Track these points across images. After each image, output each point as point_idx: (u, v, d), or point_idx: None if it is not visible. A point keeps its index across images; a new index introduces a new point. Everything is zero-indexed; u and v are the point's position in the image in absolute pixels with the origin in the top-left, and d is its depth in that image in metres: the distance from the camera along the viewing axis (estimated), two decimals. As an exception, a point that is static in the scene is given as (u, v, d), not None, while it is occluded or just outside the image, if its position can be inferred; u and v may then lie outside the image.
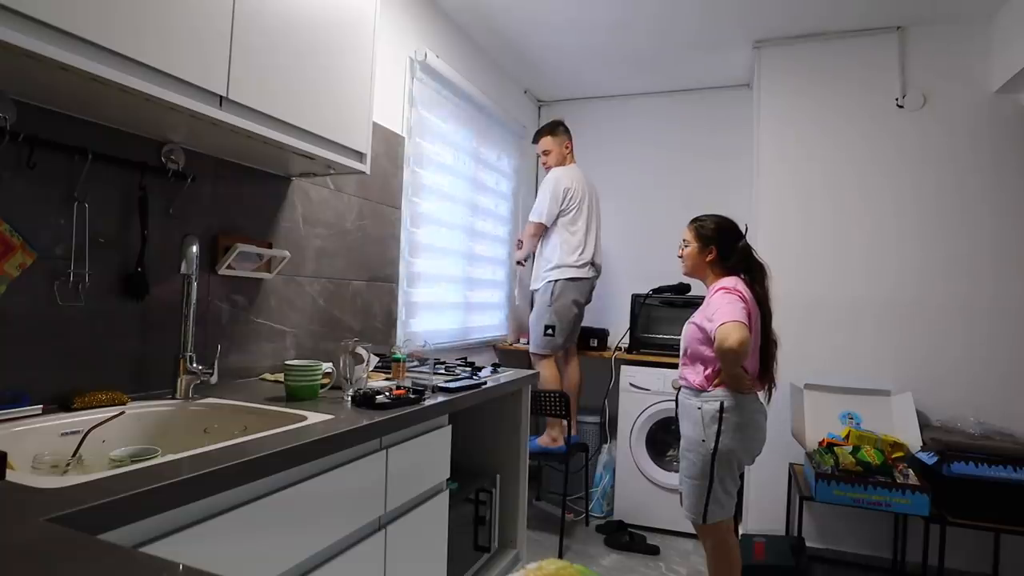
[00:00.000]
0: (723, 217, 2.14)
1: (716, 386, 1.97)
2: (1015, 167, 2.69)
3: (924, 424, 2.61)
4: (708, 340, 1.95)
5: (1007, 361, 2.65)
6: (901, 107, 2.85)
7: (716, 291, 1.98)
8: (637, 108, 3.90)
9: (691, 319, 2.08)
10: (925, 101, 2.82)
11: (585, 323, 3.72)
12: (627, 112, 3.92)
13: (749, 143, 3.19)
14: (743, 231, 2.15)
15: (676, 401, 2.16)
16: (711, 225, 2.11)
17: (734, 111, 3.59)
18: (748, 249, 2.10)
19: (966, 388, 2.68)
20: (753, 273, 2.06)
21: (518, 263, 3.45)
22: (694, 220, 2.17)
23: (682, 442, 2.06)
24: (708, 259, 2.10)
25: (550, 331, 3.05)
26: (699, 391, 2.00)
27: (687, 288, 3.16)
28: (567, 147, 3.23)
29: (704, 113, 3.73)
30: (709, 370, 1.99)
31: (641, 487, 3.12)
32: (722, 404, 1.94)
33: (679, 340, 2.14)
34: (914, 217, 2.81)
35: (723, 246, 2.09)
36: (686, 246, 2.15)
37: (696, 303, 2.26)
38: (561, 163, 3.20)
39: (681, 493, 2.07)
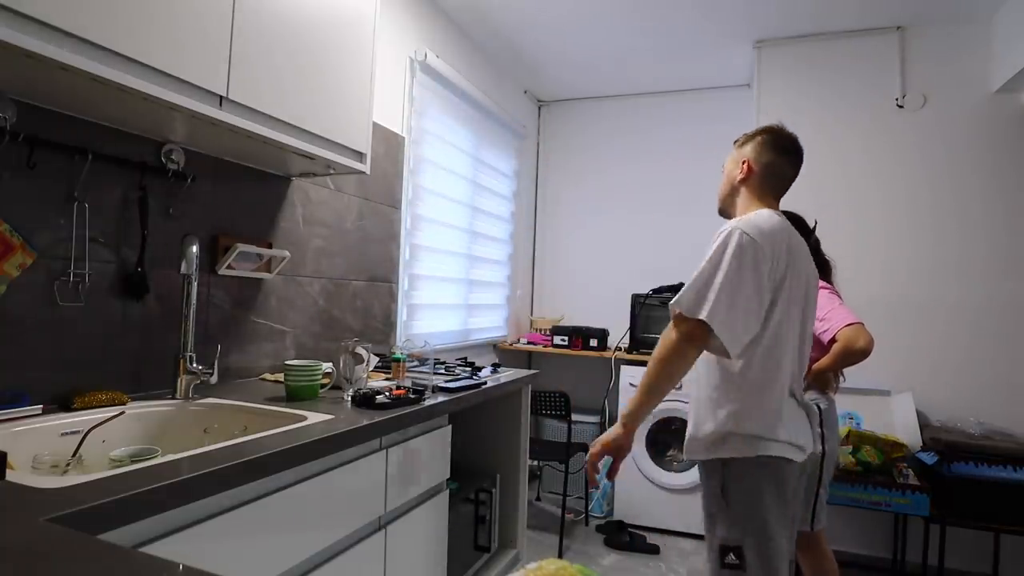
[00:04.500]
0: (794, 213, 2.02)
1: (806, 389, 1.87)
2: (1015, 167, 2.68)
3: (924, 424, 2.61)
4: (813, 341, 1.86)
5: (1007, 361, 2.64)
6: (901, 107, 2.84)
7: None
8: (637, 108, 3.90)
9: None
10: (925, 101, 2.82)
11: (585, 323, 3.73)
12: (627, 112, 3.92)
13: (749, 143, 3.18)
14: (812, 226, 2.06)
15: None
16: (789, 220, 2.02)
17: (734, 111, 3.59)
18: (818, 245, 2.03)
19: (966, 388, 2.68)
20: (823, 269, 1.98)
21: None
22: None
23: None
24: None
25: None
26: None
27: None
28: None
29: (704, 113, 3.73)
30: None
31: (641, 487, 3.12)
32: (819, 407, 1.84)
33: None
34: (913, 217, 2.81)
35: None
36: None
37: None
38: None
39: None
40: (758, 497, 1.32)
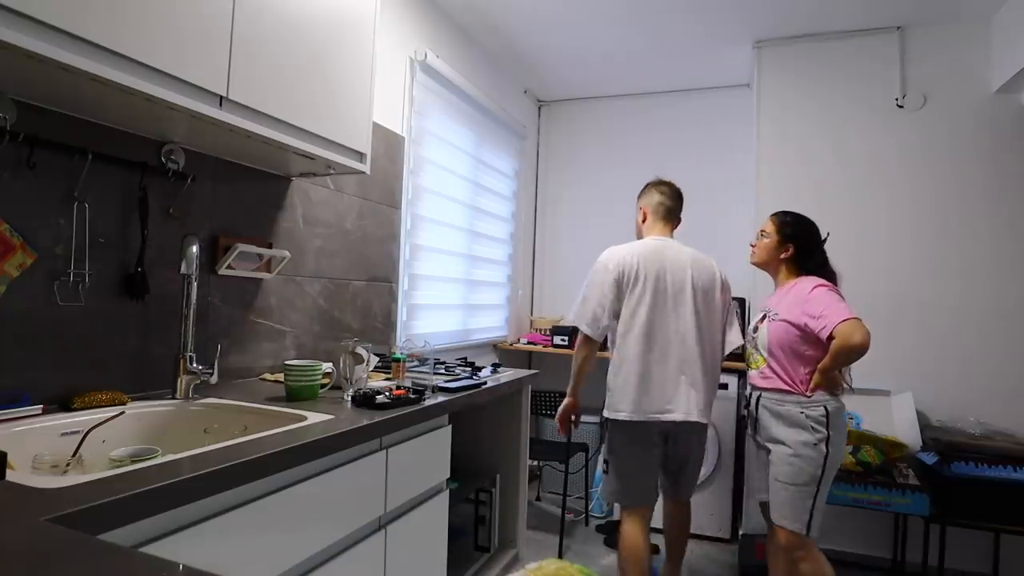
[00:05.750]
0: (807, 218, 2.10)
1: (814, 389, 1.89)
2: (1015, 167, 2.68)
3: (924, 424, 2.61)
4: (811, 339, 1.89)
5: (1007, 361, 2.64)
6: (901, 107, 2.85)
7: (815, 288, 1.92)
8: (637, 108, 3.90)
9: (775, 317, 1.99)
10: (925, 101, 2.82)
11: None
12: (627, 112, 3.92)
13: (749, 143, 3.19)
14: (824, 237, 2.11)
15: (753, 405, 2.05)
16: (796, 223, 2.08)
17: (734, 111, 3.59)
18: (826, 255, 2.08)
19: (966, 388, 2.68)
20: (828, 279, 2.02)
21: None
22: (778, 214, 2.13)
23: (780, 448, 1.92)
24: (783, 255, 2.07)
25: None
26: (798, 394, 1.91)
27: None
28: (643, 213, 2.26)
29: (705, 113, 3.73)
30: (807, 371, 1.91)
31: (641, 487, 3.12)
32: (826, 408, 1.87)
33: None
34: (913, 217, 2.81)
35: (802, 246, 2.06)
36: (763, 237, 2.12)
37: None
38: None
39: (770, 502, 1.96)
40: (611, 440, 2.08)
